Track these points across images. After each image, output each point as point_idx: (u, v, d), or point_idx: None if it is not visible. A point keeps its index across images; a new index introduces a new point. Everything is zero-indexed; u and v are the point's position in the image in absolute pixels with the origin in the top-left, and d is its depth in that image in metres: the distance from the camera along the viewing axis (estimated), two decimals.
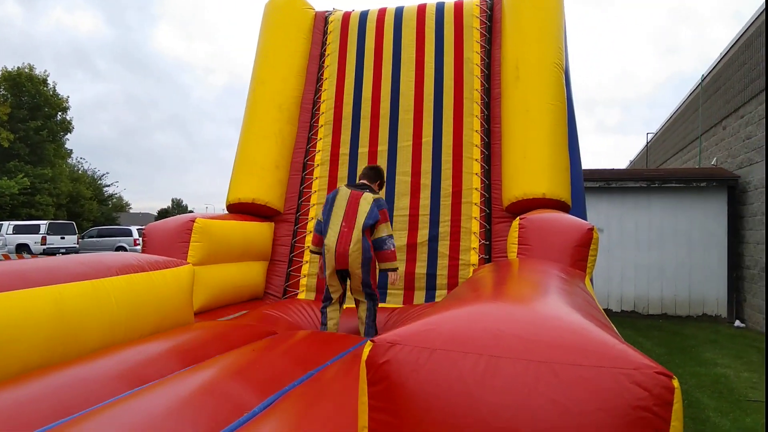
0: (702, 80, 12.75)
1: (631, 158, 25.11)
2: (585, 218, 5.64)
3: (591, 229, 3.73)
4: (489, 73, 5.97)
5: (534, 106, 5.23)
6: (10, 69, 32.58)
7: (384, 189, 4.80)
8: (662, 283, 10.13)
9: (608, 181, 10.31)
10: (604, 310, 2.71)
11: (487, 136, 5.69)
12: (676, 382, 1.29)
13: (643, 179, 10.24)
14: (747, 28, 9.90)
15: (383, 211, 4.11)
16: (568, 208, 5.00)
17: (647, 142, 20.72)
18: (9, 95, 32.38)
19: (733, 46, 10.66)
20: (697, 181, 9.93)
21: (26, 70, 32.92)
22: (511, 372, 1.29)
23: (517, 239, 3.97)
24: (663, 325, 9.26)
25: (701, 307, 9.94)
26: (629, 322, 9.42)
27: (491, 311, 1.55)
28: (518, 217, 4.20)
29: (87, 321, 2.90)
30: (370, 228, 4.04)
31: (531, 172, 4.98)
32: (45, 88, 33.70)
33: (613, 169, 11.41)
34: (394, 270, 4.11)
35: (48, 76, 34.28)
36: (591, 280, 3.77)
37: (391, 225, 5.60)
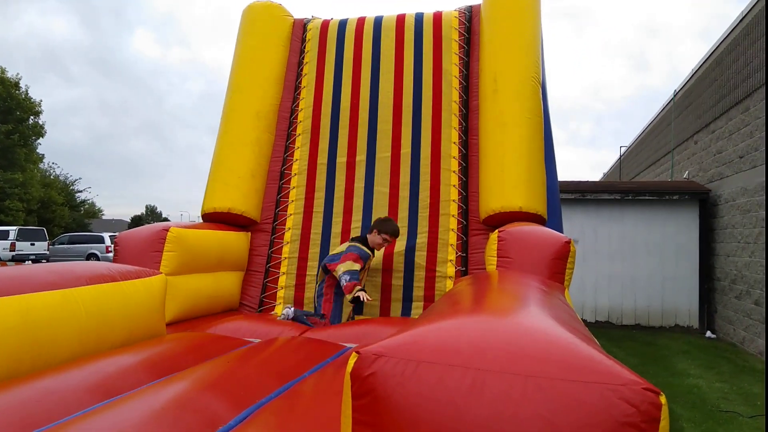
0: (674, 95, 13.07)
1: (605, 171, 25.56)
2: (561, 230, 5.69)
3: (568, 242, 3.75)
4: (467, 85, 6.01)
5: (511, 119, 5.26)
6: None
7: (380, 234, 4.94)
8: (635, 293, 10.28)
9: (583, 193, 10.46)
10: None
11: (465, 147, 5.71)
12: (663, 399, 1.28)
13: (617, 191, 10.42)
14: (717, 46, 10.18)
15: (347, 254, 4.71)
16: (544, 221, 5.03)
17: (620, 155, 21.12)
18: None
19: (704, 63, 10.96)
20: (669, 194, 10.14)
21: None
22: (498, 386, 1.27)
23: (496, 251, 3.97)
24: (636, 336, 9.39)
25: (673, 318, 10.10)
26: (603, 332, 9.52)
27: (476, 324, 1.53)
28: (497, 230, 4.21)
29: (56, 331, 2.81)
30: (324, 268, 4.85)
31: (508, 185, 5.00)
32: (17, 92, 32.99)
33: (588, 182, 11.58)
34: (356, 298, 4.43)
35: (20, 79, 33.60)
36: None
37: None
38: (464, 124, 5.82)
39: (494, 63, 5.64)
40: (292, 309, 4.66)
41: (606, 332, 9.55)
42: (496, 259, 3.95)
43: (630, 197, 10.27)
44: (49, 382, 2.33)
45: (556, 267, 3.68)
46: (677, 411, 5.08)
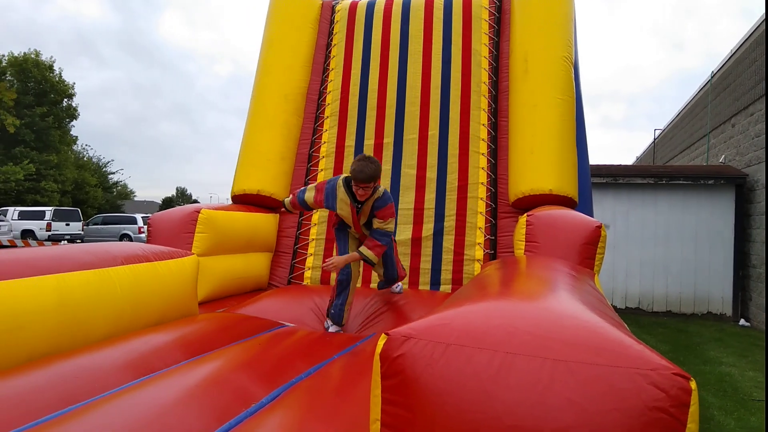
0: (711, 77, 12.66)
1: (638, 154, 25.01)
2: (592, 215, 5.61)
3: (599, 227, 3.70)
4: (497, 66, 5.92)
5: (542, 101, 5.18)
6: (16, 54, 32.56)
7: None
8: (667, 280, 10.10)
9: (615, 177, 10.26)
10: None
11: (494, 129, 5.65)
12: (693, 384, 1.27)
13: (650, 175, 10.19)
14: (757, 26, 9.80)
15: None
16: (575, 204, 4.97)
17: (654, 138, 20.62)
18: (15, 81, 32.39)
19: (743, 43, 10.57)
20: (704, 179, 9.87)
21: (32, 56, 32.89)
22: (527, 369, 1.27)
23: (524, 236, 3.94)
24: (667, 323, 9.24)
25: (706, 305, 9.90)
26: (633, 318, 9.40)
27: (505, 307, 1.53)
28: (525, 214, 4.17)
29: (93, 310, 2.89)
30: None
31: (538, 167, 4.94)
32: (51, 74, 33.69)
33: (620, 165, 11.35)
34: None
35: (54, 62, 34.29)
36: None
37: (396, 219, 5.64)
38: (493, 105, 5.75)
39: (525, 43, 5.55)
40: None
41: (636, 319, 9.42)
42: (524, 243, 3.92)
43: (664, 181, 10.03)
44: (86, 360, 2.41)
45: (586, 252, 3.63)
46: (708, 399, 5.01)
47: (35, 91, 32.87)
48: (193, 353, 2.70)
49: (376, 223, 3.80)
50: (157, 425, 1.71)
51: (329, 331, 3.77)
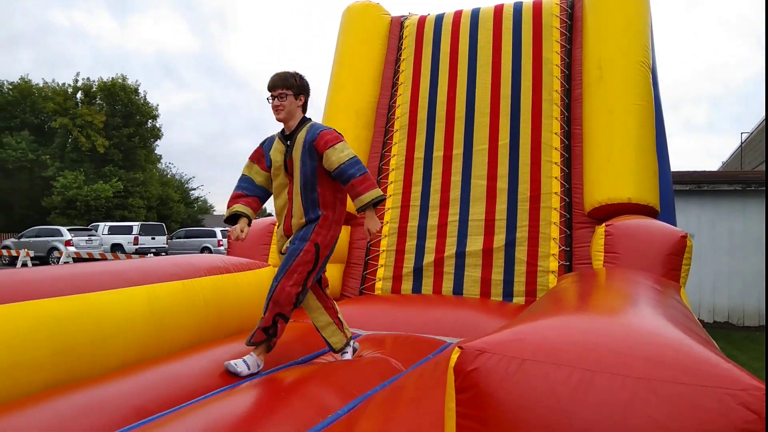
0: None
1: (724, 159, 23.56)
2: (675, 224, 5.34)
3: (684, 237, 3.52)
4: (569, 74, 5.79)
5: (618, 107, 5.01)
6: (105, 80, 35.01)
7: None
8: (759, 292, 9.42)
9: (699, 184, 9.72)
10: None
11: (568, 138, 5.51)
12: None
13: (738, 182, 9.58)
14: None
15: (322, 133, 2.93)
16: (657, 213, 4.75)
17: (741, 142, 19.38)
18: (104, 104, 34.80)
19: None
20: None
21: (120, 81, 35.25)
22: (607, 387, 1.23)
23: (603, 247, 3.80)
24: (760, 338, 8.61)
25: None
26: (723, 334, 8.82)
27: (583, 322, 1.49)
28: (604, 224, 4.03)
29: (178, 319, 3.06)
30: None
31: (615, 175, 4.77)
32: (136, 97, 35.96)
33: (704, 171, 10.74)
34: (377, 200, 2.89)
35: (139, 85, 36.61)
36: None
37: (467, 229, 5.55)
38: (566, 113, 5.62)
39: (599, 49, 5.40)
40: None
41: (727, 334, 8.83)
42: (603, 254, 3.78)
43: (753, 188, 9.40)
44: (174, 367, 2.56)
45: (671, 263, 3.46)
46: None
47: (122, 113, 35.17)
48: (272, 363, 2.80)
49: (330, 156, 2.79)
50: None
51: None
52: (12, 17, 57.35)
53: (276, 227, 3.05)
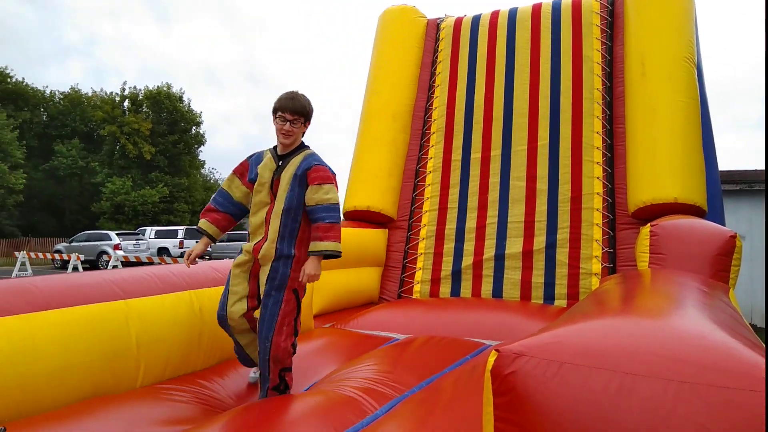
0: None
1: None
2: (723, 224, 5.16)
3: (733, 236, 3.40)
4: (611, 71, 5.66)
5: (663, 104, 4.87)
6: (151, 88, 36.10)
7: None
8: None
9: (750, 183, 9.34)
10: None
11: (610, 137, 5.39)
12: None
13: None
14: None
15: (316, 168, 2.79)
16: (704, 213, 4.59)
17: None
18: (150, 112, 35.87)
19: None
20: None
21: (165, 89, 36.27)
22: (649, 391, 1.20)
23: (648, 248, 3.70)
24: None
25: None
26: None
27: (624, 325, 1.45)
28: (649, 224, 3.92)
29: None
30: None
31: (660, 174, 4.64)
32: (181, 105, 36.91)
33: (756, 170, 10.32)
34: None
35: (183, 93, 37.57)
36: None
37: (506, 231, 5.48)
38: (608, 112, 5.49)
39: (641, 45, 5.26)
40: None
41: None
42: (648, 255, 3.68)
43: None
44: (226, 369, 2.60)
45: (720, 264, 3.34)
46: None
47: (167, 120, 36.16)
48: (311, 368, 2.83)
49: (313, 193, 2.73)
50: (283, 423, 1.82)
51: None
52: (63, 30, 59.81)
53: (246, 242, 2.82)
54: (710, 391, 1.17)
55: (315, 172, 2.76)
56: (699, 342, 1.33)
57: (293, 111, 2.76)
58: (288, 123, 2.75)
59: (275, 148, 2.88)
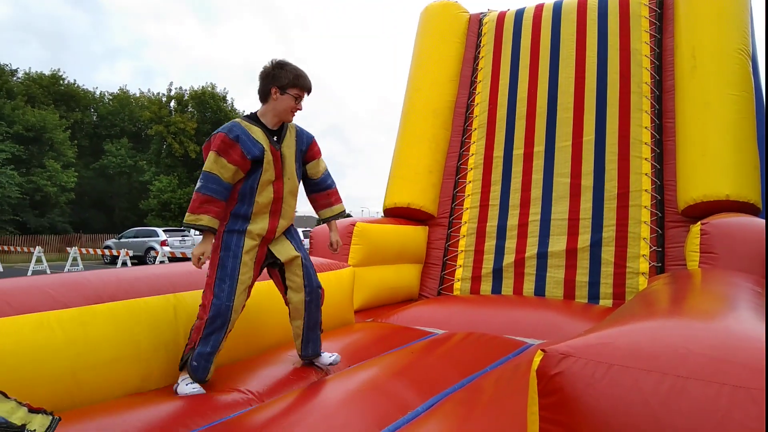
0: None
1: None
2: None
3: None
4: (660, 65, 5.49)
5: (714, 98, 4.69)
6: (195, 88, 36.96)
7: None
8: None
9: None
10: None
11: (659, 132, 5.23)
12: None
13: None
14: None
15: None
16: (759, 211, 4.41)
17: None
18: (195, 112, 36.73)
19: None
20: None
21: (209, 89, 37.06)
22: (701, 395, 1.16)
23: (698, 247, 3.58)
24: None
25: None
26: None
27: (675, 327, 1.41)
28: (699, 222, 3.79)
29: (263, 319, 3.17)
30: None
31: (712, 171, 4.47)
32: (225, 104, 37.65)
33: None
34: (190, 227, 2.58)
35: (227, 93, 38.33)
36: None
37: (549, 229, 5.38)
38: (657, 106, 5.33)
39: (692, 37, 5.08)
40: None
41: None
42: (698, 255, 3.56)
43: None
44: (262, 365, 2.66)
45: None
46: None
47: (212, 119, 36.92)
48: (353, 361, 2.85)
49: (318, 165, 2.83)
50: (325, 426, 1.84)
51: (182, 392, 2.43)
52: (112, 33, 61.87)
53: (249, 226, 2.60)
54: (765, 395, 1.12)
55: (315, 146, 2.84)
56: (753, 344, 1.29)
57: (309, 91, 2.69)
58: (299, 101, 2.66)
59: (256, 120, 2.66)
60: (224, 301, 2.47)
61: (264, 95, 2.64)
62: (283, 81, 2.60)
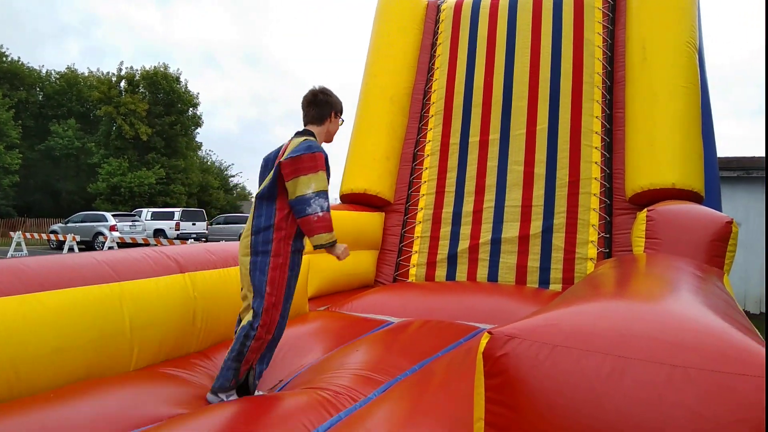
0: None
1: None
2: (720, 210, 5.15)
3: (729, 222, 3.39)
4: (612, 55, 5.61)
5: (663, 89, 4.84)
6: (147, 68, 35.74)
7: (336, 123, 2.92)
8: None
9: (747, 170, 9.34)
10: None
11: (609, 122, 5.36)
12: None
13: None
14: None
15: (305, 156, 2.55)
16: (702, 199, 4.59)
17: None
18: (147, 93, 35.54)
19: None
20: None
21: (161, 69, 35.90)
22: (641, 374, 1.19)
23: (644, 232, 3.70)
24: None
25: None
26: None
27: (618, 308, 1.45)
28: (645, 209, 3.92)
29: (218, 305, 3.10)
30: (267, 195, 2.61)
31: (658, 160, 4.62)
32: (178, 86, 36.54)
33: (754, 157, 10.30)
34: (331, 245, 2.55)
35: (180, 74, 37.20)
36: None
37: (502, 215, 5.46)
38: (608, 96, 5.45)
39: (643, 29, 5.21)
40: None
41: None
42: (644, 240, 3.68)
43: None
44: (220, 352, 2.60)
45: (715, 249, 3.34)
46: None
47: (164, 101, 35.83)
48: (305, 353, 2.83)
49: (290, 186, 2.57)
50: (272, 416, 1.82)
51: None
52: (60, 10, 59.09)
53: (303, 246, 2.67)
54: (703, 375, 1.16)
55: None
56: (692, 326, 1.33)
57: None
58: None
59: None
60: (286, 321, 2.51)
61: (322, 118, 2.76)
62: (339, 107, 2.83)
